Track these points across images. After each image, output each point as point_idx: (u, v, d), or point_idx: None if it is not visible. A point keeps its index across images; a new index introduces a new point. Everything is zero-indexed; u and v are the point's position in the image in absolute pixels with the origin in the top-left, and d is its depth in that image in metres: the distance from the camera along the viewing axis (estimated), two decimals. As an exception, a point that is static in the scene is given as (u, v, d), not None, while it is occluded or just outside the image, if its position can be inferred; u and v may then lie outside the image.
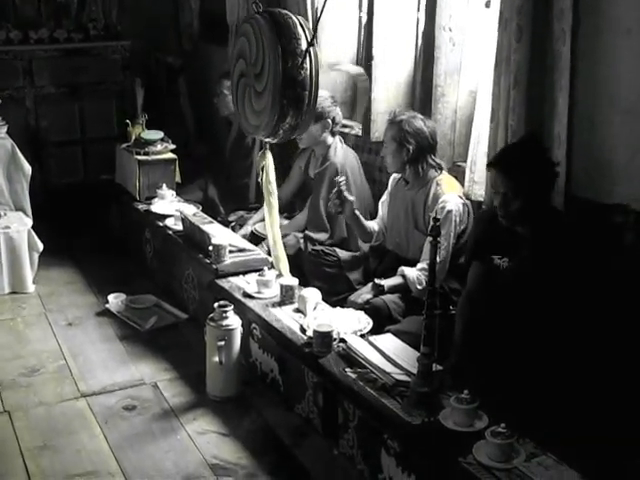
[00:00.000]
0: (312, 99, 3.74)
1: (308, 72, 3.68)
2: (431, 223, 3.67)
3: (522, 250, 3.33)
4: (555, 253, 3.20)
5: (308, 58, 3.67)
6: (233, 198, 5.65)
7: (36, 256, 5.16)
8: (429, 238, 2.98)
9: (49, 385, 4.01)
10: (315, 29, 3.69)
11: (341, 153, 4.73)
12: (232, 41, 6.10)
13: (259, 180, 4.29)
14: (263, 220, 4.59)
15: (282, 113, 3.68)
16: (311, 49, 3.67)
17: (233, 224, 5.32)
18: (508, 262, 3.38)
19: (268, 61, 3.66)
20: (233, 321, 3.80)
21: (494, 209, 3.42)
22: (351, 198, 4.18)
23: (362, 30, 5.28)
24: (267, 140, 4.00)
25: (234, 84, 4.04)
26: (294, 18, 3.75)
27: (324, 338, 3.46)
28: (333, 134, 4.77)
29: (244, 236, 4.96)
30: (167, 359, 4.27)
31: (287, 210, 5.16)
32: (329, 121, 4.68)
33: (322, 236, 4.63)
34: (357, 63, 5.34)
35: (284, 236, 4.51)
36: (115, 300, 4.80)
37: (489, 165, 3.46)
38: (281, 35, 3.64)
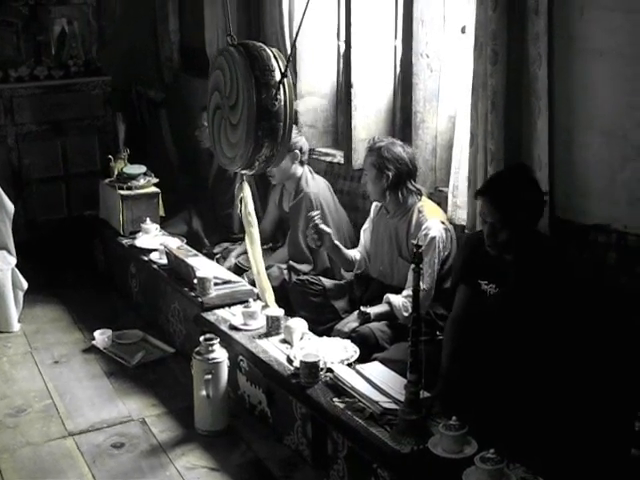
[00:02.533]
0: (287, 130, 3.76)
1: (282, 103, 3.69)
2: (413, 250, 3.75)
3: (509, 276, 3.31)
4: (540, 277, 3.20)
5: (282, 89, 3.68)
6: (217, 229, 5.65)
7: (21, 295, 5.12)
8: (412, 265, 2.97)
9: (36, 425, 3.97)
10: (289, 60, 3.71)
11: (313, 183, 4.77)
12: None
13: (238, 212, 4.29)
14: (246, 252, 4.58)
15: (257, 145, 3.70)
16: (285, 80, 3.69)
17: (218, 256, 5.30)
18: (495, 288, 3.37)
19: (242, 93, 3.68)
20: (219, 354, 3.78)
21: (479, 233, 3.42)
22: (328, 230, 4.19)
23: (341, 59, 5.31)
24: (243, 172, 4.01)
25: (210, 117, 4.06)
26: (268, 50, 3.78)
27: (311, 368, 3.45)
28: (302, 164, 4.79)
29: (228, 269, 4.96)
30: (155, 394, 4.23)
31: (270, 241, 5.16)
32: (297, 152, 4.71)
33: (305, 267, 4.64)
34: (337, 91, 5.36)
35: (268, 267, 4.51)
36: (101, 336, 4.76)
37: (477, 194, 3.41)
38: (255, 67, 3.66)
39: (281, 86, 3.64)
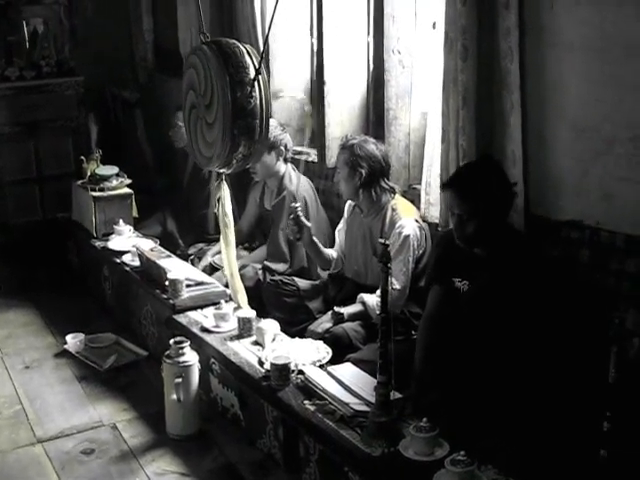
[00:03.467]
0: (264, 127, 3.69)
1: (258, 101, 3.63)
2: (394, 248, 3.71)
3: (481, 272, 3.27)
4: (512, 274, 3.15)
5: (257, 86, 3.62)
6: (192, 230, 5.60)
7: (-7, 299, 5.05)
8: (396, 263, 2.92)
9: (4, 431, 3.89)
10: (262, 56, 3.64)
11: (296, 181, 4.71)
12: (186, 73, 6.07)
13: (215, 211, 4.22)
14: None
15: (234, 143, 3.63)
16: (260, 77, 3.62)
17: (192, 257, 5.24)
18: (468, 285, 3.33)
19: (217, 92, 3.62)
20: (190, 357, 3.72)
21: (451, 231, 3.37)
22: (308, 224, 4.13)
23: (314, 56, 5.25)
24: (221, 171, 3.95)
25: (186, 116, 3.99)
26: (241, 47, 3.71)
27: (282, 370, 3.39)
28: (285, 161, 4.74)
29: (204, 268, 4.90)
30: (127, 399, 4.17)
31: (247, 241, 5.10)
32: (282, 149, 4.66)
33: (281, 267, 4.58)
34: (310, 89, 5.31)
35: (242, 267, 4.46)
36: (73, 340, 4.69)
37: (443, 186, 3.40)
38: (229, 65, 3.60)
39: (256, 83, 3.57)
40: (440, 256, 3.52)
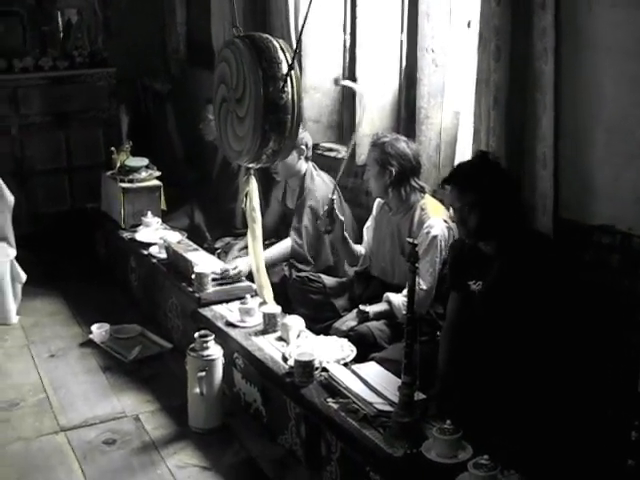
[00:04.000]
0: (294, 123, 3.68)
1: (290, 96, 3.61)
2: (423, 248, 3.69)
3: (491, 271, 3.25)
4: (521, 272, 3.13)
5: (289, 82, 3.61)
6: (219, 224, 5.59)
7: (19, 287, 5.07)
8: (422, 263, 2.90)
9: (28, 419, 3.92)
10: (295, 52, 3.63)
11: (318, 180, 4.71)
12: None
13: (243, 206, 4.22)
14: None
15: (264, 138, 3.62)
16: (292, 73, 3.61)
17: (219, 251, 5.24)
18: (481, 285, 3.31)
19: (249, 86, 3.60)
20: (214, 351, 3.72)
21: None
22: (342, 218, 4.11)
23: (346, 53, 5.23)
24: (250, 166, 3.94)
25: (216, 109, 3.98)
26: (274, 42, 3.69)
27: (305, 367, 3.38)
28: (307, 160, 4.73)
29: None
30: (150, 390, 4.18)
31: (273, 237, 5.08)
32: (303, 147, 4.65)
33: (305, 267, 4.56)
34: (342, 86, 5.27)
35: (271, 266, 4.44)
36: (99, 330, 4.71)
37: (442, 183, 3.39)
38: (262, 59, 3.58)
39: (288, 79, 3.55)
40: (453, 262, 3.52)
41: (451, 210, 3.75)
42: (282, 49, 3.68)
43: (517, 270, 3.13)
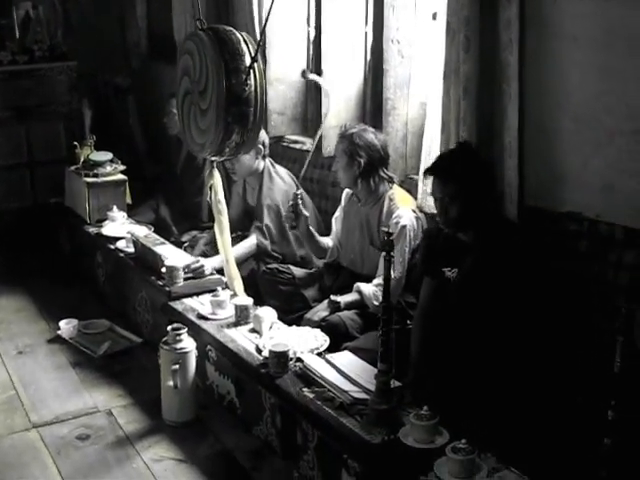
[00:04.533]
0: (257, 116, 3.67)
1: (253, 88, 3.61)
2: (392, 238, 3.71)
3: (467, 259, 3.31)
4: (496, 260, 3.19)
5: (252, 74, 3.61)
6: (185, 218, 5.58)
7: (-16, 284, 5.02)
8: (383, 253, 2.93)
9: (-2, 417, 3.89)
10: (259, 44, 3.63)
11: (276, 177, 4.74)
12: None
13: (208, 199, 4.21)
14: (214, 240, 4.55)
15: (227, 131, 3.60)
16: (255, 65, 3.61)
17: (186, 244, 5.22)
18: (456, 273, 3.36)
19: (212, 78, 3.59)
20: (187, 344, 3.72)
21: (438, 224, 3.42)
22: (306, 213, 4.13)
23: (310, 45, 5.25)
24: (213, 159, 3.93)
25: (179, 102, 3.96)
26: (237, 34, 3.69)
27: (280, 358, 3.39)
28: (264, 158, 4.74)
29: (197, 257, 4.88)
30: (121, 385, 4.16)
31: (238, 229, 5.08)
32: (260, 146, 4.64)
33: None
34: (306, 78, 5.30)
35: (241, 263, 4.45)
36: (67, 326, 4.67)
37: (425, 173, 3.44)
38: (224, 52, 3.57)
39: (251, 71, 3.55)
40: (428, 248, 3.57)
41: (428, 199, 3.82)
42: (245, 41, 3.66)
43: (493, 258, 3.19)
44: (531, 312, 3.11)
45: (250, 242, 4.72)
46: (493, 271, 3.16)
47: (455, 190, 3.22)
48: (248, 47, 3.62)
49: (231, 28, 3.75)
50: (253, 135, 3.73)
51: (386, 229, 2.94)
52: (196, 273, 4.36)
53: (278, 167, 4.85)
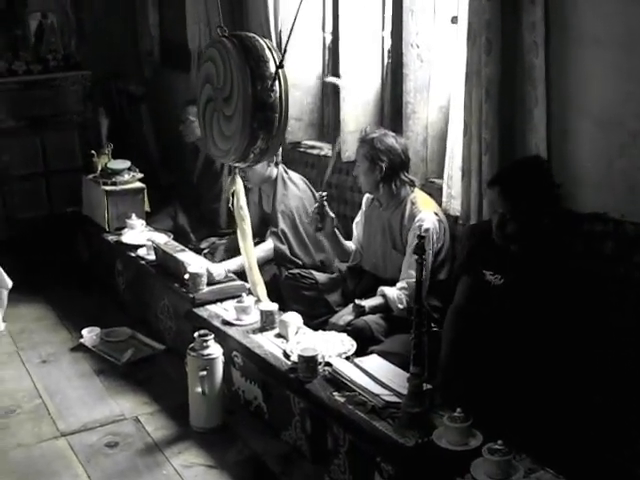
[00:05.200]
0: (282, 121, 3.70)
1: (278, 94, 3.64)
2: (414, 241, 3.73)
3: (515, 267, 3.29)
4: (546, 272, 3.18)
5: (278, 80, 3.63)
6: (203, 225, 5.60)
7: (5, 293, 4.99)
8: (414, 256, 2.93)
9: (26, 425, 3.89)
10: (285, 51, 3.65)
11: (289, 184, 4.76)
12: (195, 68, 6.08)
13: (230, 206, 4.23)
14: (234, 249, 4.62)
15: (253, 137, 3.63)
16: (280, 71, 3.63)
17: (205, 251, 5.23)
18: (499, 279, 3.34)
19: (237, 85, 3.61)
20: (214, 350, 3.73)
21: (487, 223, 3.40)
22: (332, 214, 4.14)
23: (326, 50, 5.27)
24: (237, 165, 3.95)
25: (201, 109, 3.98)
26: (261, 41, 3.72)
27: (309, 362, 3.41)
28: (276, 165, 4.76)
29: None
30: (147, 392, 4.17)
31: (257, 236, 5.09)
32: None
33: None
34: (322, 84, 5.32)
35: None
36: (89, 334, 4.69)
37: (489, 184, 3.37)
38: (249, 58, 3.60)
39: (276, 77, 3.57)
40: (472, 248, 3.51)
41: (452, 202, 3.82)
42: (269, 48, 3.70)
43: (541, 266, 3.18)
44: (569, 315, 3.11)
45: (267, 246, 4.73)
46: (542, 282, 3.15)
47: (518, 207, 3.16)
48: (272, 53, 3.64)
49: (254, 35, 3.77)
50: (277, 141, 3.75)
51: (413, 233, 2.95)
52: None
53: (292, 173, 4.87)
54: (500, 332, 3.20)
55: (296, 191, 4.75)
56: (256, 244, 4.90)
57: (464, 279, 3.46)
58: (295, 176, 4.85)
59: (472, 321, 3.34)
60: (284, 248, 4.68)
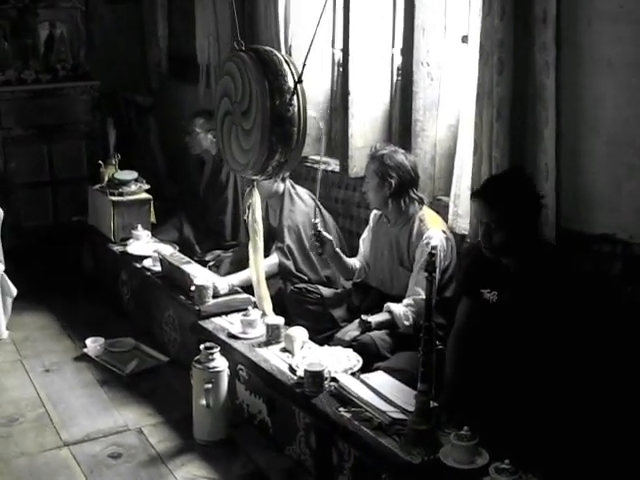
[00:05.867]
0: (301, 135, 3.72)
1: (296, 108, 3.66)
2: (421, 258, 3.75)
3: (510, 283, 3.31)
4: (541, 286, 3.19)
5: (296, 95, 3.65)
6: (209, 237, 5.59)
7: (10, 301, 5.02)
8: (422, 274, 2.94)
9: (29, 434, 3.90)
10: (304, 65, 3.67)
11: (296, 199, 4.77)
12: (203, 80, 6.11)
13: (245, 219, 4.23)
14: (239, 262, 4.67)
15: (271, 150, 3.65)
16: (299, 86, 3.65)
17: (210, 264, 5.24)
18: (496, 296, 3.36)
19: (255, 98, 3.63)
20: (220, 363, 3.73)
21: (479, 243, 3.41)
22: (330, 237, 4.15)
23: (335, 66, 5.30)
24: (255, 178, 3.96)
25: (219, 123, 3.98)
26: (279, 55, 3.74)
27: (315, 378, 3.40)
28: (283, 180, 4.77)
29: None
30: (150, 403, 4.17)
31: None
32: None
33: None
34: (331, 99, 5.34)
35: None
36: (93, 344, 4.69)
37: (473, 195, 3.44)
38: (267, 72, 3.62)
39: (295, 91, 3.59)
40: (468, 269, 3.57)
41: (459, 220, 3.83)
42: (286, 61, 3.73)
43: (536, 283, 3.18)
44: (570, 335, 3.11)
45: (271, 261, 4.73)
46: (536, 296, 3.16)
47: (502, 217, 3.19)
48: (290, 67, 3.67)
49: (271, 49, 3.79)
50: (296, 154, 3.77)
51: (426, 250, 2.96)
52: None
53: (299, 188, 4.87)
54: (500, 351, 3.21)
55: (303, 206, 4.76)
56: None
57: (464, 300, 3.50)
58: (302, 191, 4.86)
59: (473, 341, 3.35)
60: (289, 264, 4.68)
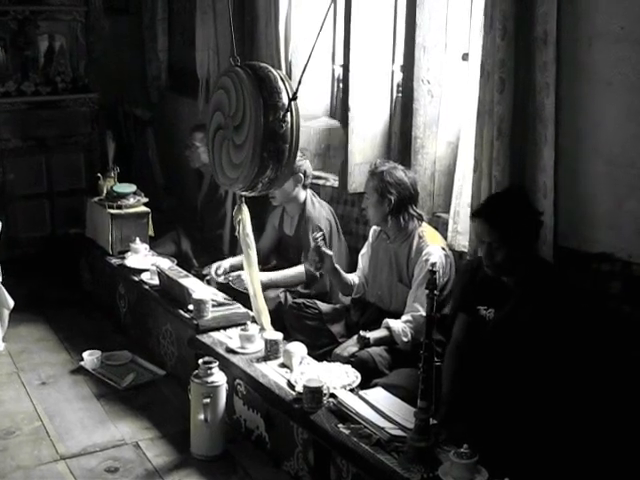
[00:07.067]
0: (292, 152, 3.72)
1: (289, 125, 3.66)
2: (420, 275, 3.76)
3: (508, 301, 3.32)
4: (538, 304, 3.20)
5: (289, 112, 3.66)
6: (206, 250, 5.59)
7: (6, 313, 4.99)
8: (421, 290, 2.95)
9: (25, 447, 3.87)
10: (299, 83, 3.68)
11: (318, 207, 4.76)
12: (202, 94, 6.12)
13: (236, 234, 4.24)
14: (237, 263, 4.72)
15: (262, 166, 3.65)
16: (293, 103, 3.66)
17: (208, 277, 5.23)
18: (493, 313, 3.38)
19: (249, 114, 3.63)
20: (218, 378, 3.73)
21: (479, 259, 3.43)
22: (330, 253, 4.16)
23: (335, 82, 5.32)
24: (244, 193, 3.96)
25: (210, 137, 3.99)
26: (274, 72, 3.75)
27: (314, 393, 3.41)
28: (305, 187, 4.77)
29: (224, 271, 4.96)
30: (147, 417, 4.16)
31: (263, 263, 5.10)
32: (301, 175, 4.69)
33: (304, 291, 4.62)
34: (331, 115, 5.36)
35: (265, 289, 4.46)
36: (90, 357, 4.67)
37: (473, 215, 3.46)
38: (263, 88, 3.63)
39: (289, 108, 3.60)
40: (465, 285, 3.58)
41: (458, 238, 3.84)
42: (282, 79, 3.73)
43: (533, 301, 3.20)
44: (567, 353, 3.12)
45: (298, 270, 4.75)
46: (533, 313, 3.17)
47: (504, 236, 3.21)
48: (285, 84, 3.68)
49: (267, 65, 3.81)
50: (287, 171, 3.77)
51: (425, 266, 2.97)
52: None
53: (320, 200, 4.89)
54: (496, 367, 3.22)
55: (324, 213, 4.76)
56: (271, 269, 4.93)
57: (460, 316, 3.51)
58: (324, 204, 4.87)
59: (470, 357, 3.36)
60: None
